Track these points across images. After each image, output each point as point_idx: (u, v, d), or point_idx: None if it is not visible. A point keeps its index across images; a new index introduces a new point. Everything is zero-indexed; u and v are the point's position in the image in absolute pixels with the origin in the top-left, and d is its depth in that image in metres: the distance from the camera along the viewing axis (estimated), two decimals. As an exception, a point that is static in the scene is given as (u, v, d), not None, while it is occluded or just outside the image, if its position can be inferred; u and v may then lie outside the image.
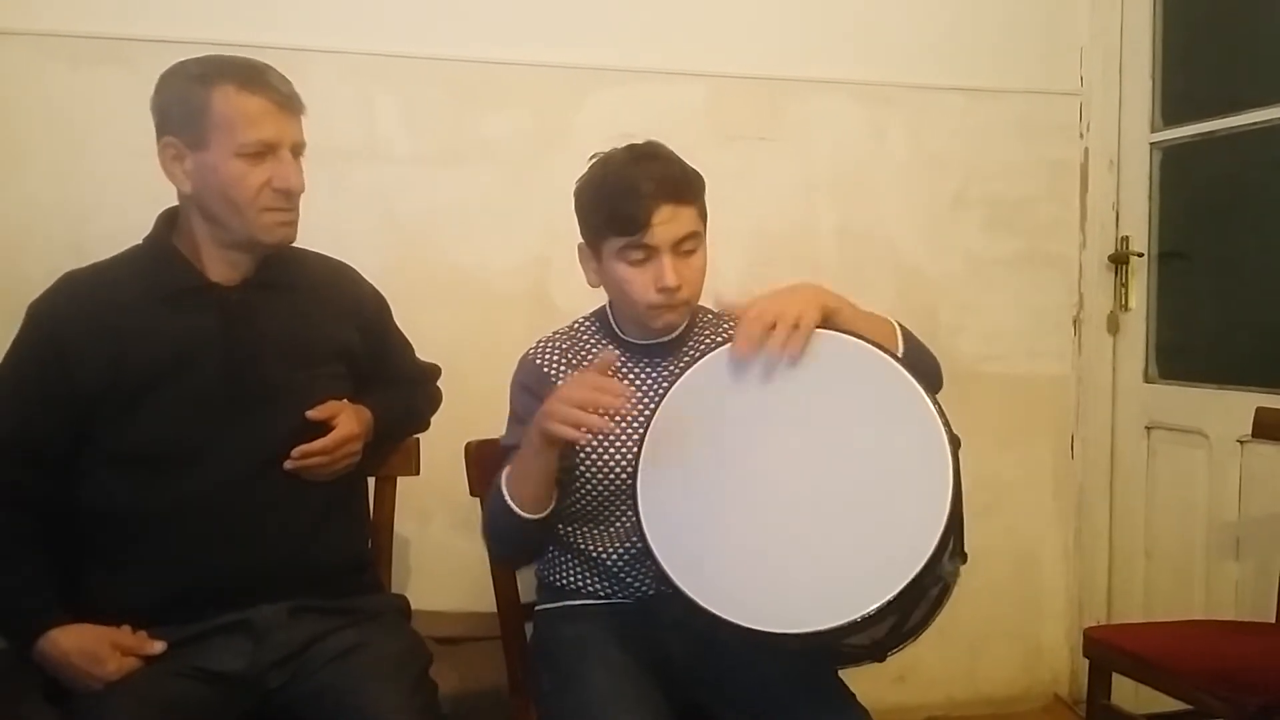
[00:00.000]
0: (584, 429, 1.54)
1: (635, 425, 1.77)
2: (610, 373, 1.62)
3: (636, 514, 1.55)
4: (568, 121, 2.66)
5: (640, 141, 1.79)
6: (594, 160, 1.80)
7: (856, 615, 1.38)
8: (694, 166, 1.78)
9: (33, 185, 2.35)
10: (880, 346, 1.55)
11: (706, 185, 1.79)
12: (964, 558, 1.51)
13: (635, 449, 1.74)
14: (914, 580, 1.38)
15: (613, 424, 1.63)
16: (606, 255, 1.76)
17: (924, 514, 1.41)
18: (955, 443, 1.45)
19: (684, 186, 1.72)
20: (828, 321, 1.58)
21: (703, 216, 1.77)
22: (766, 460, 1.54)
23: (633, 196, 1.69)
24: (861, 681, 1.70)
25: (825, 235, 2.87)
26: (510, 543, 1.77)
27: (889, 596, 1.38)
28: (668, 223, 1.69)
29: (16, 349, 1.75)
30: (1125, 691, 2.28)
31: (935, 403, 1.47)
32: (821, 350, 1.55)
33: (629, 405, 1.62)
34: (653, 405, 1.74)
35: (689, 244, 1.73)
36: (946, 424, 1.45)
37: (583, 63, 2.66)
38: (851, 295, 1.66)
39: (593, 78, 2.67)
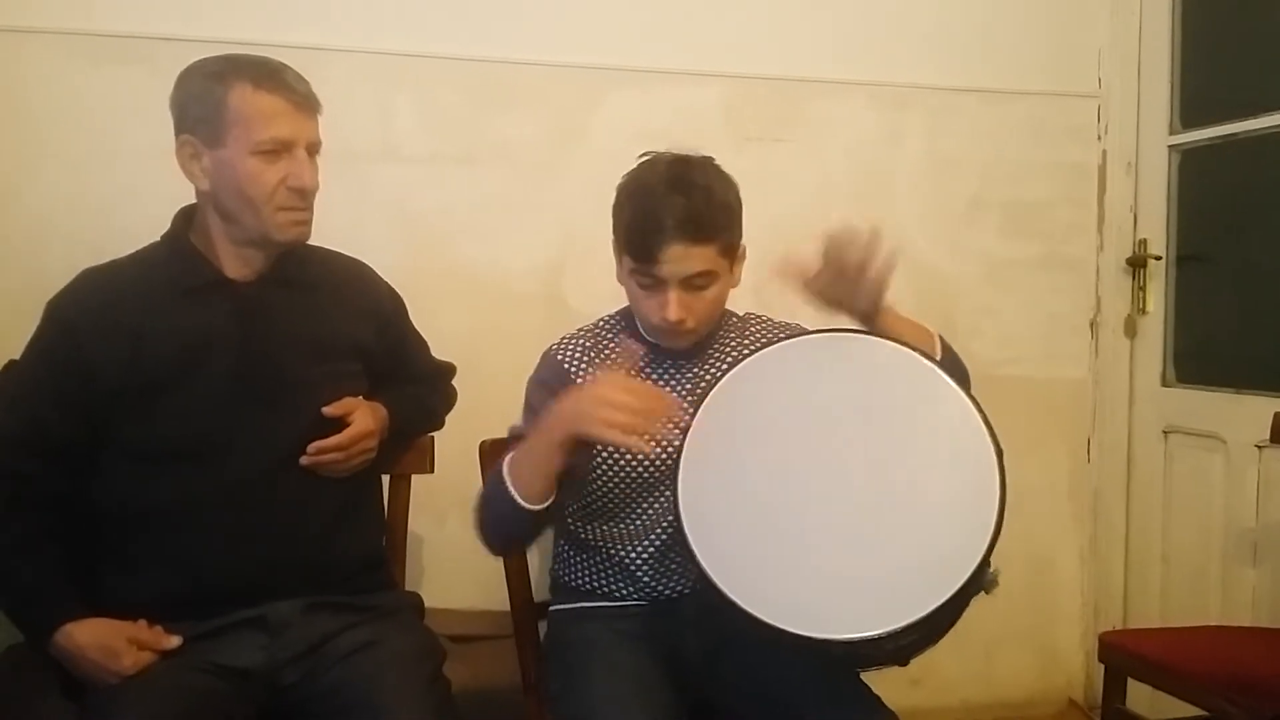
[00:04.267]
0: (634, 434, 1.52)
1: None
2: (635, 371, 1.60)
3: (677, 514, 1.53)
4: (584, 122, 2.67)
5: (692, 154, 1.75)
6: (643, 160, 1.77)
7: (901, 623, 1.38)
8: (729, 191, 1.75)
9: (53, 182, 2.37)
10: (926, 355, 1.56)
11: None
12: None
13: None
14: (962, 588, 1.39)
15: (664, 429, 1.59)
16: (623, 268, 1.77)
17: (970, 522, 1.42)
18: (1000, 454, 1.45)
19: (705, 225, 1.68)
20: (874, 325, 1.58)
21: (728, 249, 1.73)
22: (811, 464, 1.54)
23: (649, 228, 1.68)
24: (877, 685, 1.69)
25: (841, 237, 2.86)
26: (505, 530, 1.74)
27: (938, 603, 1.38)
28: (677, 261, 1.68)
29: (35, 345, 1.76)
30: (1140, 696, 2.27)
31: (982, 413, 1.48)
32: (868, 356, 1.56)
33: (676, 411, 1.59)
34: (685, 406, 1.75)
35: (700, 280, 1.71)
36: (993, 435, 1.46)
37: (599, 63, 2.67)
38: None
39: (609, 78, 2.68)
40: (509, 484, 1.64)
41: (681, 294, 1.70)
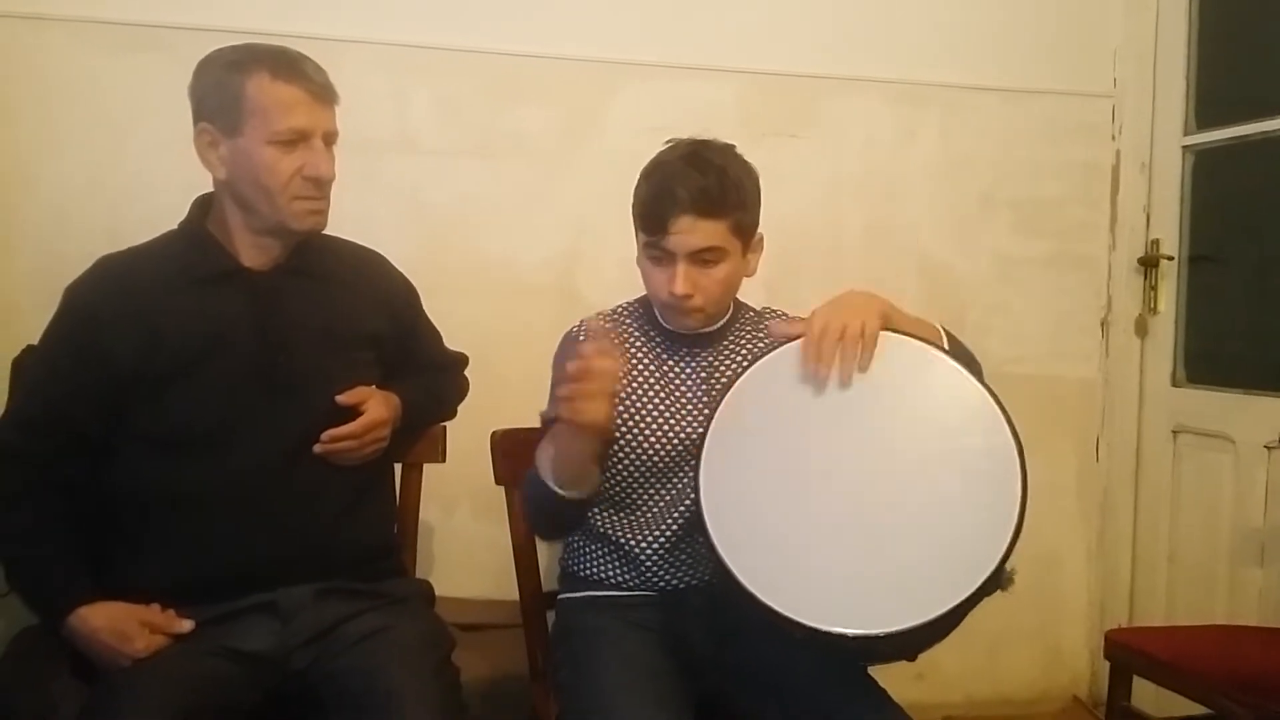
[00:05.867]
0: (589, 401, 1.56)
1: (668, 412, 1.80)
2: (610, 339, 1.62)
3: (698, 504, 1.54)
4: (598, 116, 2.67)
5: (715, 140, 1.78)
6: (667, 144, 1.80)
7: (919, 620, 1.39)
8: (746, 176, 1.76)
9: (70, 170, 2.39)
10: (946, 351, 1.57)
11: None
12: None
13: (668, 435, 1.78)
14: (981, 586, 1.39)
15: (618, 384, 1.62)
16: (637, 245, 1.78)
17: (991, 520, 1.42)
18: (1021, 452, 1.46)
19: (716, 200, 1.70)
20: (882, 327, 1.59)
21: (740, 230, 1.75)
22: (832, 459, 1.55)
23: (661, 200, 1.71)
24: (880, 679, 1.70)
25: (853, 233, 2.87)
26: (546, 518, 1.79)
27: (957, 601, 1.39)
28: (685, 233, 1.70)
29: (53, 331, 1.77)
30: (1145, 694, 2.28)
31: (1004, 410, 1.49)
32: (889, 354, 1.56)
33: (615, 362, 1.60)
34: (691, 394, 1.79)
35: (709, 255, 1.73)
36: (1015, 433, 1.47)
37: (615, 58, 2.67)
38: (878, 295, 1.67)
39: (624, 73, 2.68)
40: (545, 474, 1.68)
41: (689, 268, 1.72)
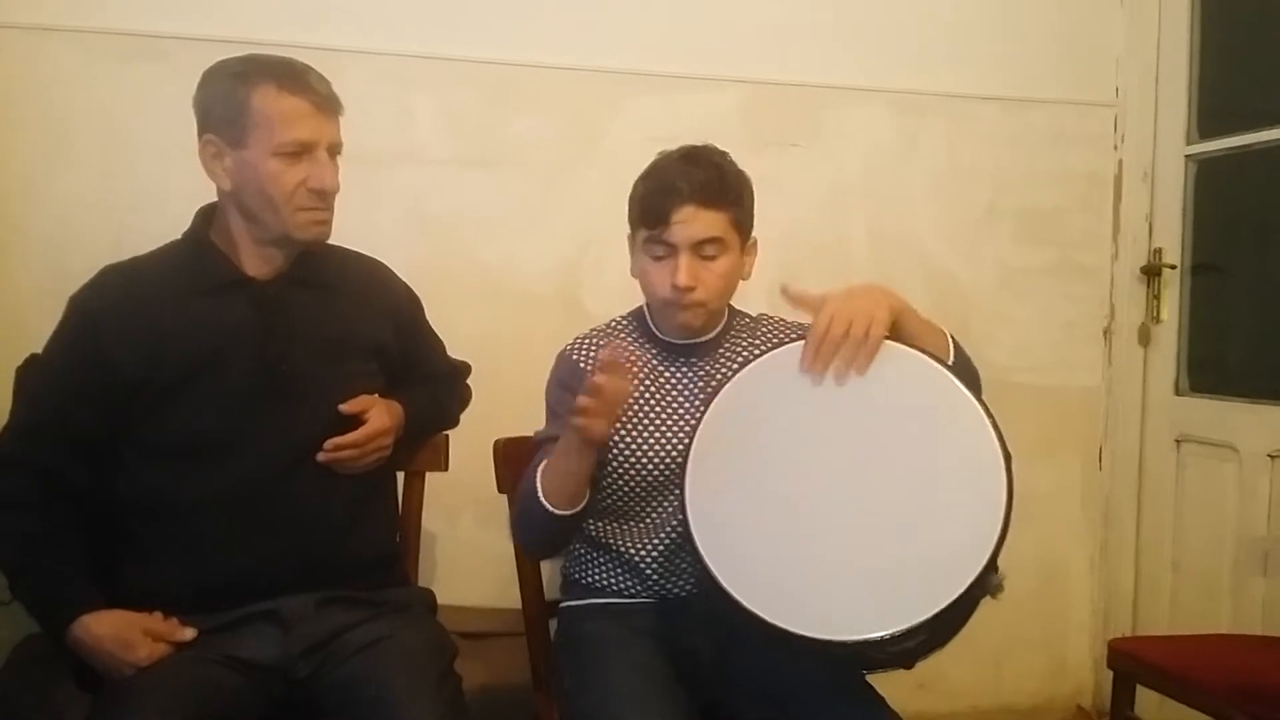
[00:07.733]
0: (599, 418, 1.60)
1: (666, 422, 1.80)
2: (625, 362, 1.63)
3: (683, 511, 1.55)
4: (601, 126, 2.68)
5: (700, 145, 1.81)
6: (659, 155, 1.82)
7: (903, 626, 1.39)
8: (742, 176, 1.79)
9: (74, 180, 2.39)
10: (936, 358, 1.57)
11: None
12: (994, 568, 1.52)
13: (666, 445, 1.78)
14: (965, 593, 1.39)
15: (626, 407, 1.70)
16: (636, 246, 1.80)
17: (976, 527, 1.42)
18: (1008, 458, 1.46)
19: (716, 192, 1.73)
20: (892, 327, 1.59)
21: (739, 225, 1.77)
22: (819, 466, 1.55)
23: (663, 193, 1.73)
24: (883, 688, 1.70)
25: (857, 243, 2.87)
26: (538, 535, 1.80)
27: (940, 607, 1.39)
28: (687, 223, 1.72)
29: (57, 340, 1.78)
30: (1149, 704, 2.27)
31: (991, 418, 1.49)
32: (880, 359, 1.57)
33: (632, 385, 1.66)
34: (688, 403, 1.79)
35: (710, 248, 1.74)
36: (1001, 440, 1.47)
37: (617, 67, 2.68)
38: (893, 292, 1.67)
39: (627, 82, 2.69)
40: (540, 495, 1.70)
41: (691, 260, 1.73)
